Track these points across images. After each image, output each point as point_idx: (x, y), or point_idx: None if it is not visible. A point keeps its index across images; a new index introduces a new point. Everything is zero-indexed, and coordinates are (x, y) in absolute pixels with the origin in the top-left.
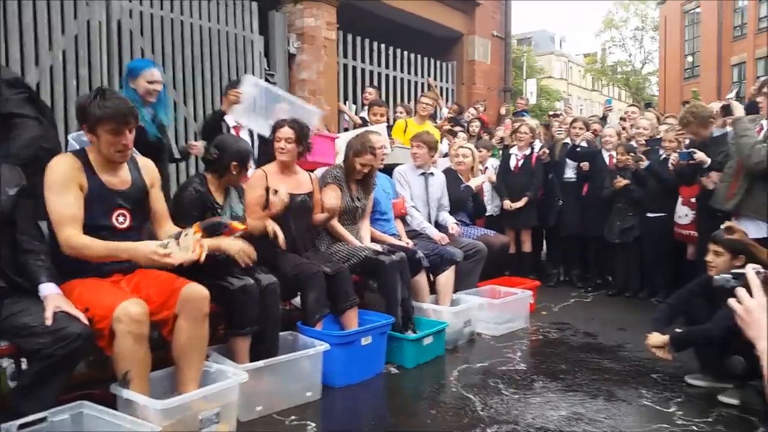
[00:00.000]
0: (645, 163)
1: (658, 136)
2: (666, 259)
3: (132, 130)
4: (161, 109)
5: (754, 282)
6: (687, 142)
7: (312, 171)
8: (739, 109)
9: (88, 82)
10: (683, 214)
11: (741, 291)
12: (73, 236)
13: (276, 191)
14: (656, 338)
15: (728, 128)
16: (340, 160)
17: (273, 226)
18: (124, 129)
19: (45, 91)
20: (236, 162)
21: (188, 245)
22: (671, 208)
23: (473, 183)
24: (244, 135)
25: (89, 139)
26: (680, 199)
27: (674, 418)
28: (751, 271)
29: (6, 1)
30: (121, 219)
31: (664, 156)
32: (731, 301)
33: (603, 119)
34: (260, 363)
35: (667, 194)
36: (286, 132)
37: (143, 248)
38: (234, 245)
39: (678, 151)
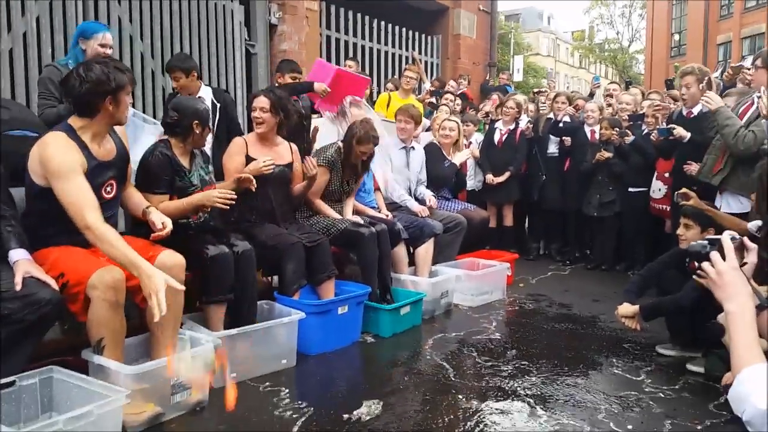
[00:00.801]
0: (630, 138)
1: (642, 112)
2: (645, 233)
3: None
4: None
5: (728, 246)
6: (665, 118)
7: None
8: (716, 99)
9: (63, 50)
10: (657, 188)
11: (715, 255)
12: (101, 228)
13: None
14: (626, 308)
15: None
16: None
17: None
18: (122, 94)
19: (18, 58)
20: (197, 121)
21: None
22: (651, 183)
23: (458, 159)
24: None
25: (109, 109)
26: (655, 173)
27: (643, 386)
28: (726, 237)
29: None
30: (108, 189)
31: (646, 131)
32: (704, 265)
33: (591, 96)
34: (234, 330)
35: (649, 169)
36: (262, 101)
37: (156, 281)
38: (209, 196)
39: (657, 127)
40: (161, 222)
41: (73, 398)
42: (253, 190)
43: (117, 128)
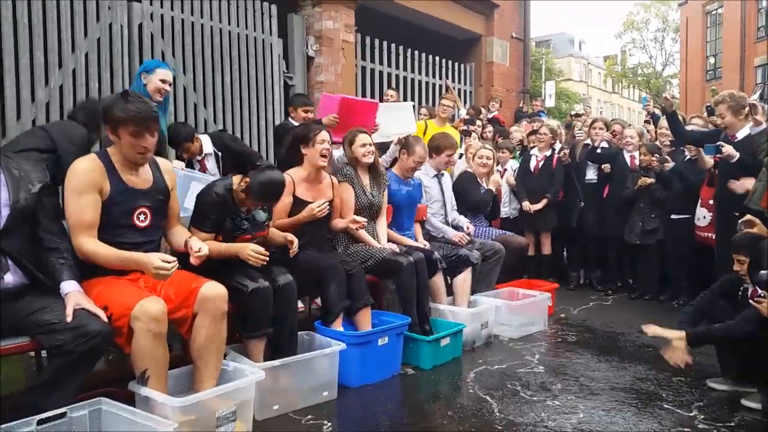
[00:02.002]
0: (670, 165)
1: None
2: (689, 261)
3: (154, 134)
4: (163, 113)
5: None
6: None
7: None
8: (731, 151)
9: (110, 85)
10: (701, 216)
11: None
12: (84, 243)
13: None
14: (654, 329)
15: (761, 126)
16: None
17: (291, 238)
18: (144, 132)
19: (68, 94)
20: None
21: None
22: (695, 210)
23: (493, 185)
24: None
25: (112, 139)
26: (699, 200)
27: (696, 422)
28: None
29: (31, 3)
30: (142, 217)
31: (689, 156)
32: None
33: (647, 122)
34: (277, 362)
35: (692, 196)
36: (326, 136)
37: (146, 261)
38: (244, 249)
39: (706, 145)
40: (198, 247)
41: (121, 430)
42: (292, 254)
43: (162, 163)
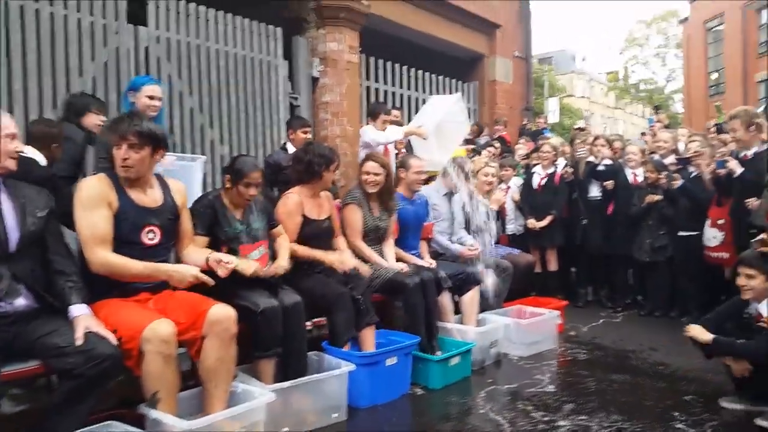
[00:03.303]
0: (678, 183)
1: (688, 155)
2: (698, 278)
3: (135, 148)
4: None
5: None
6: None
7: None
8: (737, 166)
9: (117, 108)
10: (711, 236)
11: None
12: (101, 255)
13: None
14: (701, 332)
15: (765, 144)
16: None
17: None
18: (122, 143)
19: None
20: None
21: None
22: (703, 226)
23: (495, 204)
24: None
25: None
26: (708, 221)
27: None
28: None
29: (39, 27)
30: (150, 235)
31: (695, 173)
32: None
33: (643, 134)
34: (287, 383)
35: (699, 212)
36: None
37: (184, 271)
38: (249, 266)
39: (716, 159)
40: (228, 258)
41: None
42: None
43: (172, 183)
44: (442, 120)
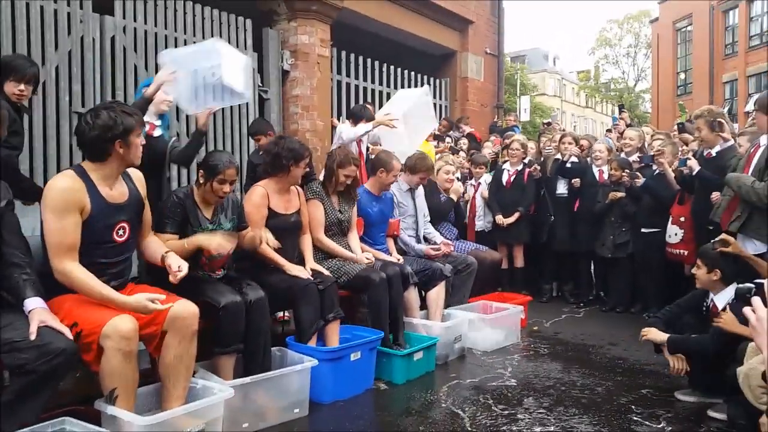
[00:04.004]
0: (641, 181)
1: (651, 153)
2: (659, 274)
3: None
4: (166, 128)
5: None
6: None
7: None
8: (694, 165)
9: (81, 99)
10: (673, 233)
11: (756, 300)
12: (68, 268)
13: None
14: (655, 334)
15: (729, 142)
16: None
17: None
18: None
19: (37, 107)
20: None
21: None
22: (665, 223)
23: (454, 194)
24: None
25: (118, 153)
26: (670, 218)
27: None
28: None
29: (0, 15)
30: (121, 232)
31: (657, 171)
32: (745, 310)
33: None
34: (247, 379)
35: (661, 210)
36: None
37: (143, 306)
38: (212, 240)
39: (680, 158)
40: (178, 265)
41: None
42: None
43: (132, 173)
44: (409, 109)
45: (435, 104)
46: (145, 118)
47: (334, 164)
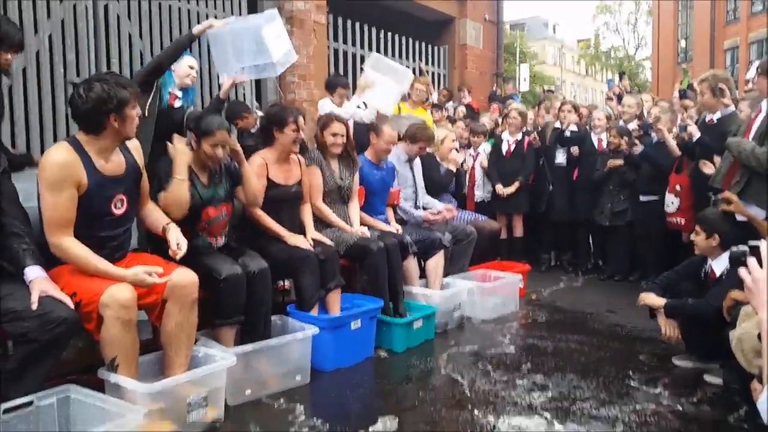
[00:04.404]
0: (639, 148)
1: (650, 121)
2: (658, 242)
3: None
4: (192, 101)
5: (766, 253)
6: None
7: None
8: (695, 131)
9: (75, 67)
10: (670, 202)
11: (752, 261)
12: (63, 242)
13: None
14: (652, 298)
15: (730, 108)
16: None
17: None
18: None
19: (31, 77)
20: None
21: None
22: (664, 191)
23: (452, 165)
24: None
25: (113, 126)
26: (668, 186)
27: (661, 399)
28: (765, 244)
29: None
30: (119, 205)
31: (656, 140)
32: (740, 271)
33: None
34: (249, 347)
35: (660, 178)
36: (301, 121)
37: (141, 278)
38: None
39: (680, 124)
40: (176, 243)
41: (90, 417)
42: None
43: (130, 144)
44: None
45: (434, 72)
46: (168, 89)
47: (318, 127)
